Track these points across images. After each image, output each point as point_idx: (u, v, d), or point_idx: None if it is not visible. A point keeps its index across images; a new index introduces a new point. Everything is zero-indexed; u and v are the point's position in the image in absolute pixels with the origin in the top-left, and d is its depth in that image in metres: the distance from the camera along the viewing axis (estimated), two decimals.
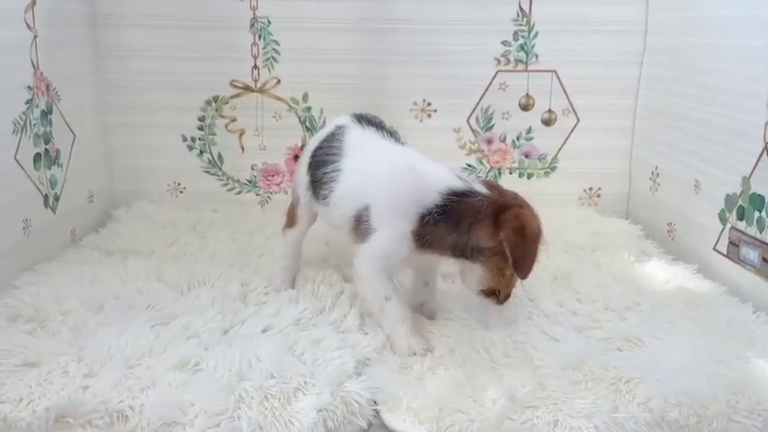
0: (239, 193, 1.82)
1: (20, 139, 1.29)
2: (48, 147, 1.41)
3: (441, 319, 1.18)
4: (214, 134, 1.77)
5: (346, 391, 0.94)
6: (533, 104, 1.77)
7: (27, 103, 1.32)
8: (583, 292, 1.27)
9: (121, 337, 1.04)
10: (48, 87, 1.42)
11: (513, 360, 1.03)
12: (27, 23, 1.34)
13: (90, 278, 1.30)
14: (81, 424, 0.87)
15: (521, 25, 1.71)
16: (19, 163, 1.29)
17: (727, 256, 1.33)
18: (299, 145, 1.78)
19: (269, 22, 1.70)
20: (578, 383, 0.96)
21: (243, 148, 1.79)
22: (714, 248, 1.37)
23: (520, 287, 1.12)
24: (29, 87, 1.34)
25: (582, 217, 1.72)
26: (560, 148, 1.80)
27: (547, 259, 1.42)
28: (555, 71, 1.74)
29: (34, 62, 1.36)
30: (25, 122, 1.32)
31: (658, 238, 1.60)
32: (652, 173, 1.67)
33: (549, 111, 1.77)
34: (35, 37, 1.36)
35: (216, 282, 1.29)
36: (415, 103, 1.76)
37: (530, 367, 1.00)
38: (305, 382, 0.95)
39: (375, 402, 0.95)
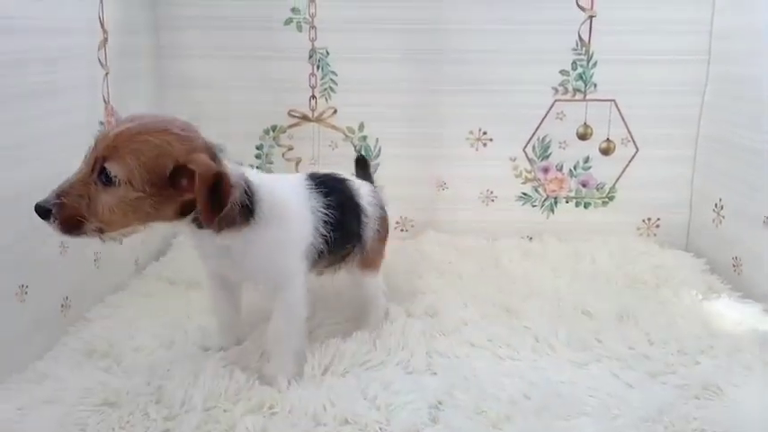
0: None
1: None
2: None
3: (509, 359, 1.17)
4: (271, 162, 1.79)
5: None
6: (591, 134, 1.75)
7: None
8: (652, 333, 1.24)
9: (197, 377, 1.05)
10: (117, 121, 1.45)
11: (589, 408, 1.01)
12: (100, 61, 1.37)
13: (157, 310, 1.32)
14: None
15: (579, 54, 1.70)
16: None
17: None
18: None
19: (327, 53, 1.72)
20: None
21: None
22: None
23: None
24: (101, 123, 1.37)
25: (642, 249, 1.69)
26: (618, 178, 1.77)
27: (610, 296, 1.41)
28: (614, 100, 1.72)
29: (105, 97, 1.40)
30: None
31: (723, 273, 1.55)
32: (716, 205, 1.63)
33: (608, 140, 1.75)
34: (106, 74, 1.40)
35: None
36: (470, 132, 1.76)
37: (607, 417, 0.99)
38: (380, 429, 0.95)
39: None
